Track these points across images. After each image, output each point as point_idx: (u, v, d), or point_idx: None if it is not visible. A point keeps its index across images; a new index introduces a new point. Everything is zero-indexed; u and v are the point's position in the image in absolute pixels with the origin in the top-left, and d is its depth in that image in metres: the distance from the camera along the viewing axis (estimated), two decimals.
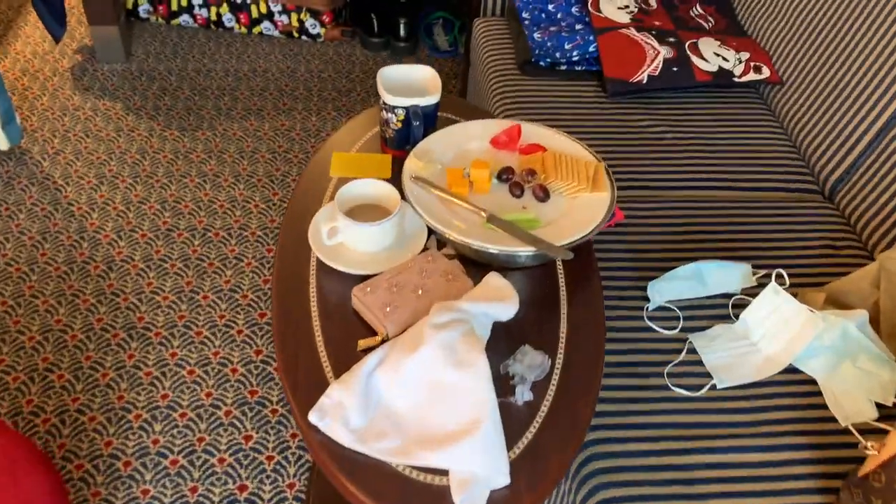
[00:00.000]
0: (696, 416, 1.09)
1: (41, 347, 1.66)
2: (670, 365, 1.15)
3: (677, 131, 1.60)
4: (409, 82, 1.23)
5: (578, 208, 1.09)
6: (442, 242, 1.09)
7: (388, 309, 0.96)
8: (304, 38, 2.68)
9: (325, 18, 2.61)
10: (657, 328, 1.21)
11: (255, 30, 2.66)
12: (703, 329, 1.21)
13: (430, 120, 1.19)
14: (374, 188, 1.08)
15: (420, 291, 0.98)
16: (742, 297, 1.26)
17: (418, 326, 0.91)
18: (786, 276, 1.19)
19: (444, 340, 0.87)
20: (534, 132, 1.20)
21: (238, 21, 2.64)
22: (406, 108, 1.17)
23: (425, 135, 1.18)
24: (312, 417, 0.86)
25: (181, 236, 1.94)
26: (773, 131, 1.62)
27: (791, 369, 1.16)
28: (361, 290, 0.98)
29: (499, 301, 0.95)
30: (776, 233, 1.39)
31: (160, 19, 2.67)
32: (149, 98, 2.37)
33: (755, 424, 1.09)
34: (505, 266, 1.07)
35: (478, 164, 1.11)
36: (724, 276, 1.25)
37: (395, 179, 1.18)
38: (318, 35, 2.66)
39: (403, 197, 1.07)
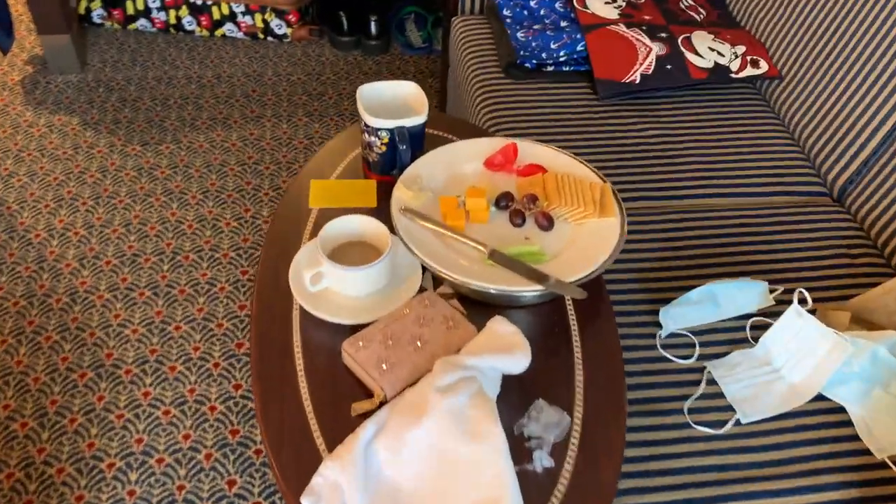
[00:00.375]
0: (721, 458, 1.01)
1: (1, 394, 1.54)
2: (690, 400, 1.06)
3: (674, 135, 1.50)
4: (392, 100, 1.12)
5: (586, 236, 0.99)
6: (438, 278, 0.98)
7: (384, 366, 0.85)
8: (269, 39, 2.54)
9: (292, 18, 2.47)
10: (672, 357, 1.11)
11: (218, 32, 2.52)
12: (720, 356, 1.12)
13: (417, 141, 1.09)
14: (361, 224, 0.97)
15: (419, 343, 0.88)
16: (759, 318, 1.17)
17: (421, 388, 0.81)
18: (808, 296, 1.10)
19: (452, 407, 0.77)
20: (531, 151, 1.10)
21: (199, 24, 2.49)
22: (391, 130, 1.06)
23: (413, 158, 1.07)
24: (305, 502, 0.76)
25: (148, 261, 1.81)
26: (775, 130, 1.54)
27: (817, 396, 1.07)
28: (353, 344, 0.88)
29: (508, 353, 0.85)
30: (788, 242, 1.30)
31: (116, 25, 2.52)
32: (107, 111, 2.23)
33: (784, 463, 1.00)
34: (508, 305, 0.97)
35: (474, 192, 1.01)
36: (741, 297, 1.16)
37: (382, 207, 1.07)
38: (285, 35, 2.52)
39: (393, 230, 0.97)
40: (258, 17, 2.47)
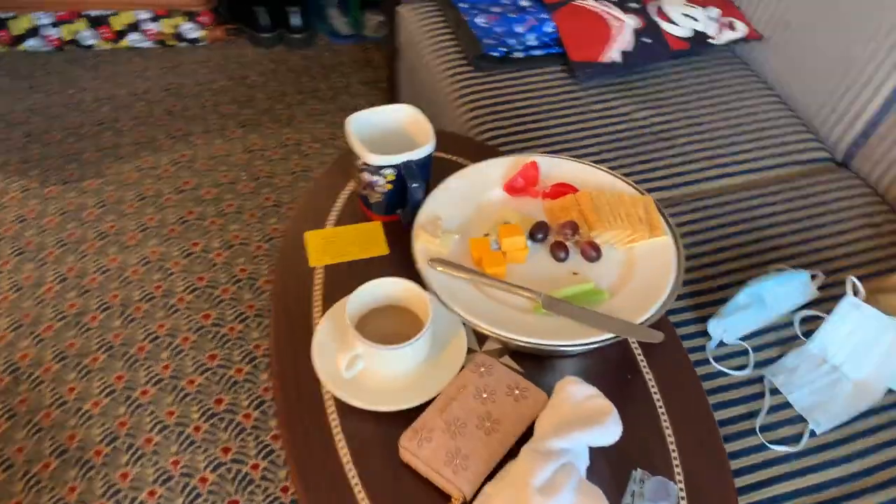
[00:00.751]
0: (805, 479, 0.93)
1: None
2: (760, 416, 0.98)
3: (666, 114, 1.40)
4: (387, 128, 0.97)
5: (640, 263, 0.88)
6: (480, 334, 0.85)
7: (457, 462, 0.72)
8: (182, 44, 2.31)
9: (205, 19, 2.24)
10: (728, 370, 1.02)
11: (122, 44, 2.26)
12: (773, 360, 1.04)
13: (426, 174, 0.94)
14: (391, 288, 0.83)
15: (488, 423, 0.75)
16: (805, 312, 1.09)
17: (515, 489, 0.69)
18: (860, 285, 1.03)
19: None
20: (554, 167, 0.97)
21: (100, 37, 2.23)
22: (397, 167, 0.91)
23: (425, 193, 0.93)
24: None
25: (95, 319, 1.61)
26: (765, 98, 1.45)
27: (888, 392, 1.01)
28: (413, 439, 0.74)
29: (598, 424, 0.73)
30: (808, 219, 1.23)
31: (3, 48, 2.23)
32: (12, 150, 1.97)
33: (869, 472, 0.93)
34: (562, 354, 0.85)
35: (509, 230, 0.87)
36: (784, 293, 1.08)
37: (395, 252, 0.93)
38: (199, 39, 2.29)
39: (423, 286, 0.83)
40: (166, 22, 2.23)
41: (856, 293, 1.02)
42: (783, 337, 1.07)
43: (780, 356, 1.04)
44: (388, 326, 0.82)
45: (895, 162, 1.25)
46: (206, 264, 1.72)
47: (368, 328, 0.80)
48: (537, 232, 0.90)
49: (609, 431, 0.74)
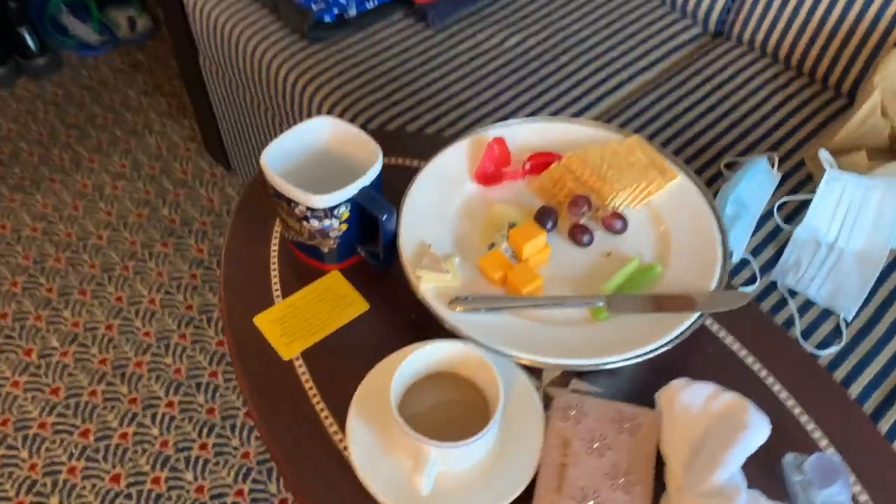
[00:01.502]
0: (870, 369, 0.87)
1: None
2: (796, 325, 0.91)
3: (534, 34, 1.26)
4: (309, 152, 0.75)
5: (667, 217, 0.75)
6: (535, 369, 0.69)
7: None
8: None
9: None
10: (741, 289, 0.94)
11: None
12: (773, 260, 0.97)
13: (380, 194, 0.73)
14: (430, 358, 0.63)
15: (622, 479, 0.60)
16: (782, 199, 1.03)
17: None
18: (831, 158, 0.97)
19: None
20: (512, 136, 0.80)
21: None
22: (351, 201, 0.70)
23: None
24: None
25: None
26: None
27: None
28: None
29: (742, 427, 0.61)
30: (720, 103, 1.16)
31: None
32: None
33: None
34: None
35: (523, 233, 0.70)
36: (758, 186, 1.00)
37: (378, 305, 0.73)
38: None
39: (442, 331, 0.64)
40: None
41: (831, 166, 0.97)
42: (767, 233, 1.00)
43: (776, 254, 0.98)
44: (426, 400, 0.63)
45: (776, 20, 1.21)
46: (57, 371, 1.38)
47: (405, 414, 0.60)
48: (545, 219, 0.73)
49: (758, 430, 0.61)
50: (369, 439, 0.63)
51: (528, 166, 0.77)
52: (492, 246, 0.72)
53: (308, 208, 0.69)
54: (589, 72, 1.21)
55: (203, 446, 1.30)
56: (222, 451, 1.30)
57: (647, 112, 1.15)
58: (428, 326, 0.68)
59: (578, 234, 0.72)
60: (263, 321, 0.73)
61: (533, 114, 1.14)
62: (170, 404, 1.35)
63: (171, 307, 1.49)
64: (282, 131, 1.29)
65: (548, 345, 0.65)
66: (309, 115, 1.19)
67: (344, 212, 0.70)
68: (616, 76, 1.21)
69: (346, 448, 0.64)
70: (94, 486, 1.26)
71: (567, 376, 0.68)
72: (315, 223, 0.71)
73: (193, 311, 1.48)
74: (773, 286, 0.95)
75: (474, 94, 1.17)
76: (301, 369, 0.70)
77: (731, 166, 1.07)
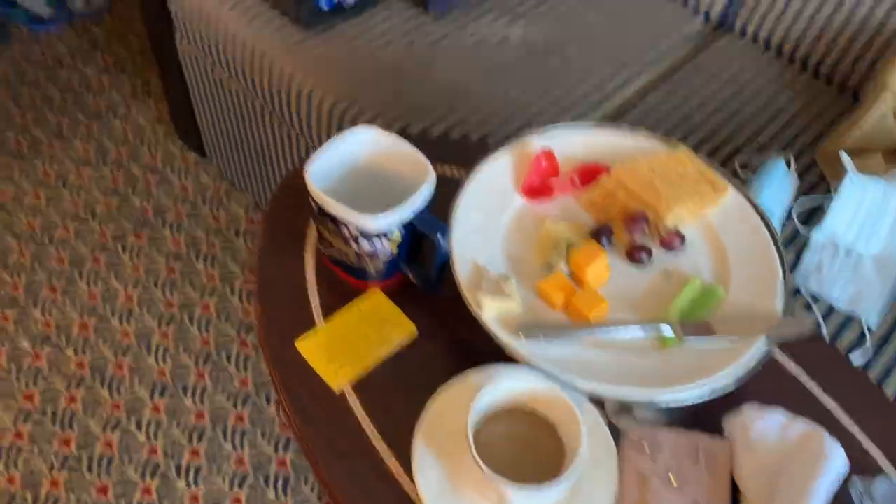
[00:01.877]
0: None
1: None
2: (823, 330, 0.91)
3: (539, 24, 1.22)
4: (352, 167, 0.70)
5: (722, 234, 0.73)
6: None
7: None
8: None
9: None
10: None
11: None
12: (793, 265, 0.97)
13: (432, 213, 0.69)
14: (501, 395, 0.60)
15: None
16: (801, 201, 1.03)
17: None
18: (849, 160, 0.97)
19: None
20: (562, 145, 0.77)
21: None
22: (409, 224, 0.66)
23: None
24: None
25: None
26: None
27: None
28: None
29: (822, 459, 0.60)
30: (731, 98, 1.15)
31: None
32: None
33: None
34: None
35: (585, 255, 0.67)
36: (776, 190, 0.99)
37: (427, 329, 0.70)
38: None
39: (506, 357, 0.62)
40: None
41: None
42: (784, 236, 1.00)
43: (796, 258, 0.98)
44: (494, 432, 0.60)
45: (781, 12, 1.20)
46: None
47: (495, 462, 0.58)
48: (602, 238, 0.70)
49: (836, 459, 0.60)
50: (437, 475, 0.60)
51: (574, 179, 0.74)
52: (549, 267, 0.69)
53: (358, 229, 0.65)
54: (595, 64, 1.18)
55: (194, 452, 1.25)
56: (215, 456, 1.25)
57: (656, 110, 1.13)
58: (480, 349, 0.65)
59: (637, 254, 0.70)
60: (307, 347, 0.68)
61: (545, 111, 1.11)
62: (156, 408, 1.29)
63: (150, 304, 1.41)
64: (273, 124, 1.23)
65: (621, 375, 0.63)
66: (299, 108, 1.13)
67: (397, 234, 0.66)
68: (625, 70, 1.18)
69: (411, 482, 0.60)
70: (79, 499, 1.19)
71: (627, 403, 0.66)
72: (365, 245, 0.66)
73: (174, 309, 1.41)
74: (796, 291, 0.95)
75: (481, 89, 1.13)
76: (352, 404, 0.66)
77: (745, 165, 1.07)
